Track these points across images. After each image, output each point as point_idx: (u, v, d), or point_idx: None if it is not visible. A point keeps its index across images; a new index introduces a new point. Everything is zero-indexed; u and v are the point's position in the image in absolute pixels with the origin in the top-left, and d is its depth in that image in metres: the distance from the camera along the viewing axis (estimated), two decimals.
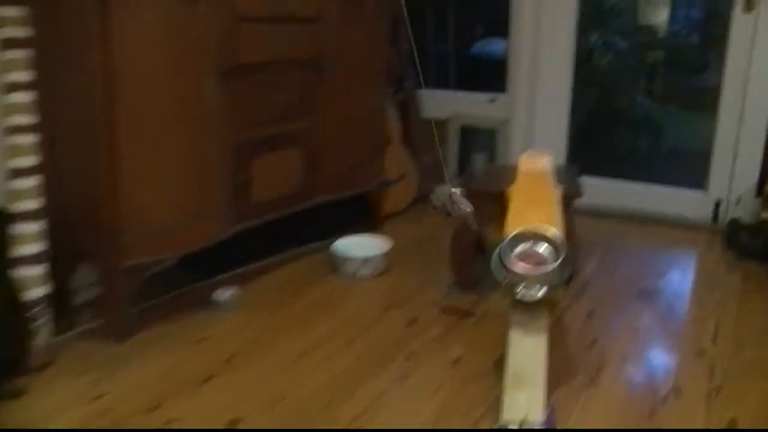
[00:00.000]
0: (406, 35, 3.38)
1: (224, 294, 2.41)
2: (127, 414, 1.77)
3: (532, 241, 1.87)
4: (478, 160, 2.65)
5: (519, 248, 1.86)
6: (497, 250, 1.84)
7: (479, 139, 3.52)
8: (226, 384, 1.93)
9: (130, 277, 2.13)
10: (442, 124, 3.52)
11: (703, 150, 3.26)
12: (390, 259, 2.74)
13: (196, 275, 2.57)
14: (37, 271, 2.03)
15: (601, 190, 3.43)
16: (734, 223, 3.08)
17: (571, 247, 2.46)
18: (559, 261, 1.80)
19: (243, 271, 2.65)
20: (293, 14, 2.49)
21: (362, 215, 3.11)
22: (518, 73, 3.38)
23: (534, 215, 1.98)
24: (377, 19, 2.93)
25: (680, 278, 2.77)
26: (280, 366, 2.02)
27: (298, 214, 2.76)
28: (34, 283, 2.02)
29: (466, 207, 2.43)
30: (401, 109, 3.42)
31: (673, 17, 4.70)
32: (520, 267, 1.81)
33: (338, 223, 3.01)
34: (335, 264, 2.69)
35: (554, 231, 1.86)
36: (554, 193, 2.12)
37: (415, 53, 3.40)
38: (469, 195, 2.47)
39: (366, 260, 2.64)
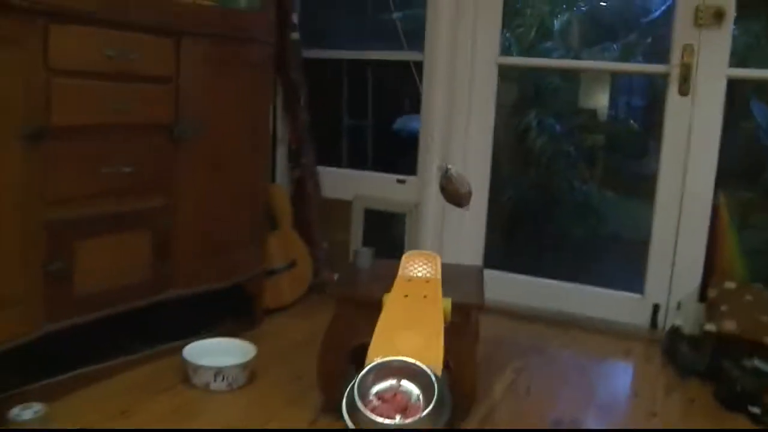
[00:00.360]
0: (305, 105, 2.94)
1: (26, 411, 1.82)
2: None
3: (396, 378, 1.36)
4: (363, 257, 2.15)
5: (378, 387, 1.35)
6: (347, 390, 1.32)
7: (395, 224, 3.04)
8: None
9: None
10: (346, 206, 3.05)
11: (643, 238, 2.82)
12: (256, 368, 2.20)
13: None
14: None
15: (527, 289, 2.96)
16: (675, 333, 2.61)
17: (463, 381, 1.97)
18: (430, 407, 1.29)
19: (65, 379, 2.07)
20: (137, 72, 1.99)
21: (240, 309, 2.58)
22: (429, 153, 2.91)
23: (406, 340, 1.47)
24: (260, 84, 2.47)
25: (609, 403, 2.25)
26: None
27: (154, 308, 2.22)
28: None
29: (462, 186, 2.04)
30: (297, 187, 2.95)
31: (614, 101, 4.41)
32: (375, 415, 1.29)
33: (207, 318, 2.48)
34: (187, 372, 2.14)
35: (423, 366, 1.35)
36: (437, 308, 1.62)
37: (314, 125, 2.96)
38: (340, 301, 1.98)
39: (219, 371, 2.08)
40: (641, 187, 3.38)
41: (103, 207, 1.97)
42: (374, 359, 1.39)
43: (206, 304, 2.49)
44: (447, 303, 1.71)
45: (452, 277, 2.16)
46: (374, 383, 1.34)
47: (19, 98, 1.71)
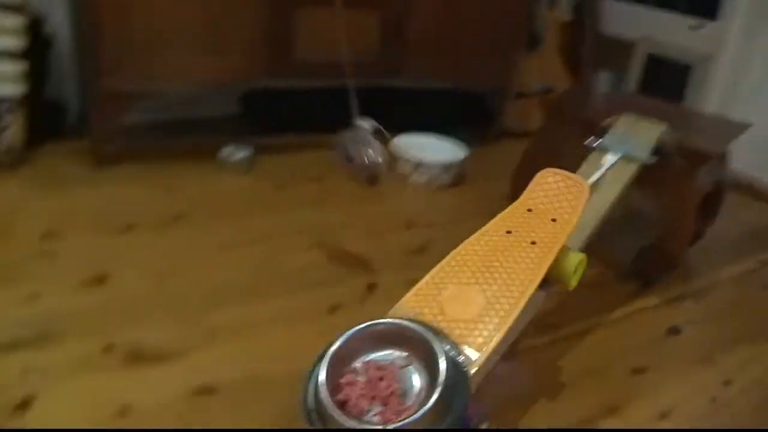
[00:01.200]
0: None
1: (237, 152, 1.89)
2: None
3: (408, 351, 0.78)
4: (602, 84, 1.68)
5: (376, 355, 0.78)
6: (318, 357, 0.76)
7: (678, 75, 2.42)
8: (150, 239, 1.50)
9: (116, 103, 1.72)
10: (628, 47, 2.50)
11: None
12: (470, 175, 2.01)
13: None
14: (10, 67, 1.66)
15: None
16: None
17: (671, 238, 1.40)
18: (413, 417, 0.68)
19: (278, 142, 2.07)
20: None
21: (480, 122, 2.32)
22: None
23: (458, 298, 0.85)
24: None
25: None
26: (216, 245, 1.51)
27: (391, 96, 2.09)
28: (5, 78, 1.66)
29: (376, 156, 1.73)
30: (574, 14, 2.47)
31: None
32: (337, 393, 0.74)
33: (446, 122, 2.27)
34: (392, 161, 2.00)
35: (438, 347, 0.73)
36: (541, 264, 0.91)
37: None
38: (550, 113, 1.51)
39: (419, 164, 1.91)
40: None
41: None
42: (398, 313, 0.83)
43: (448, 108, 2.29)
44: (573, 259, 0.95)
45: (702, 123, 1.68)
46: (375, 348, 0.78)
47: None
